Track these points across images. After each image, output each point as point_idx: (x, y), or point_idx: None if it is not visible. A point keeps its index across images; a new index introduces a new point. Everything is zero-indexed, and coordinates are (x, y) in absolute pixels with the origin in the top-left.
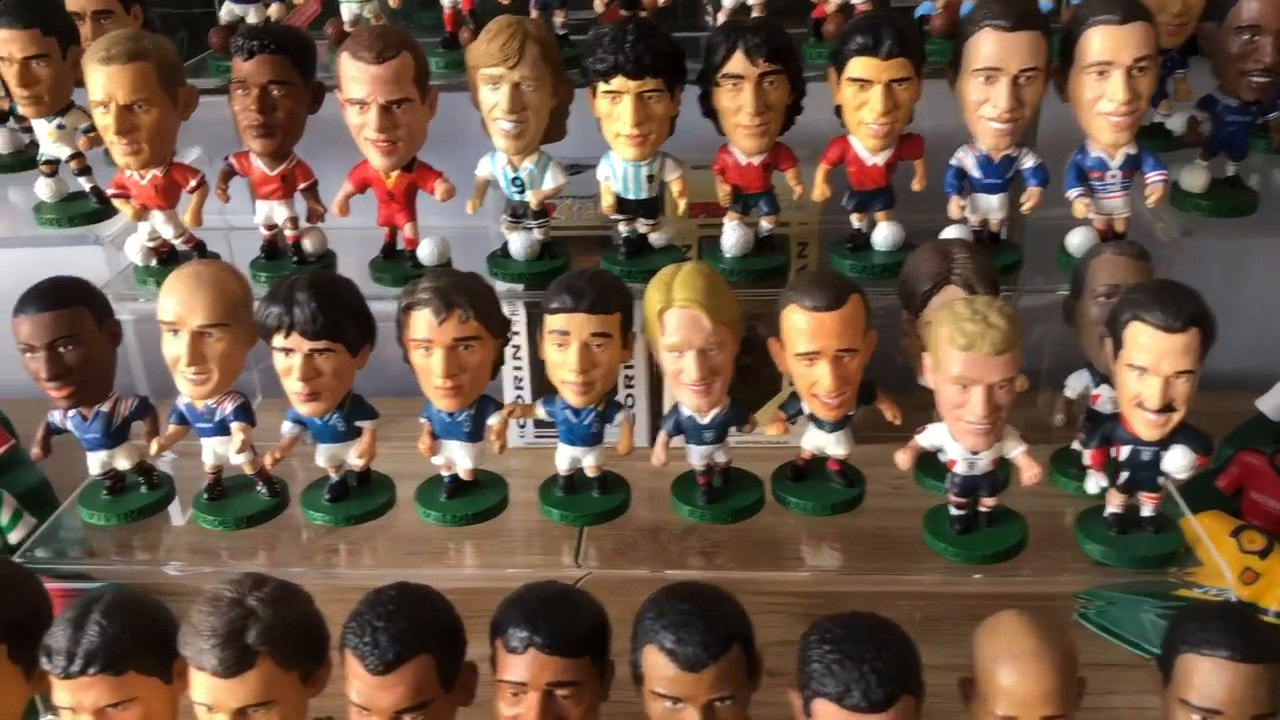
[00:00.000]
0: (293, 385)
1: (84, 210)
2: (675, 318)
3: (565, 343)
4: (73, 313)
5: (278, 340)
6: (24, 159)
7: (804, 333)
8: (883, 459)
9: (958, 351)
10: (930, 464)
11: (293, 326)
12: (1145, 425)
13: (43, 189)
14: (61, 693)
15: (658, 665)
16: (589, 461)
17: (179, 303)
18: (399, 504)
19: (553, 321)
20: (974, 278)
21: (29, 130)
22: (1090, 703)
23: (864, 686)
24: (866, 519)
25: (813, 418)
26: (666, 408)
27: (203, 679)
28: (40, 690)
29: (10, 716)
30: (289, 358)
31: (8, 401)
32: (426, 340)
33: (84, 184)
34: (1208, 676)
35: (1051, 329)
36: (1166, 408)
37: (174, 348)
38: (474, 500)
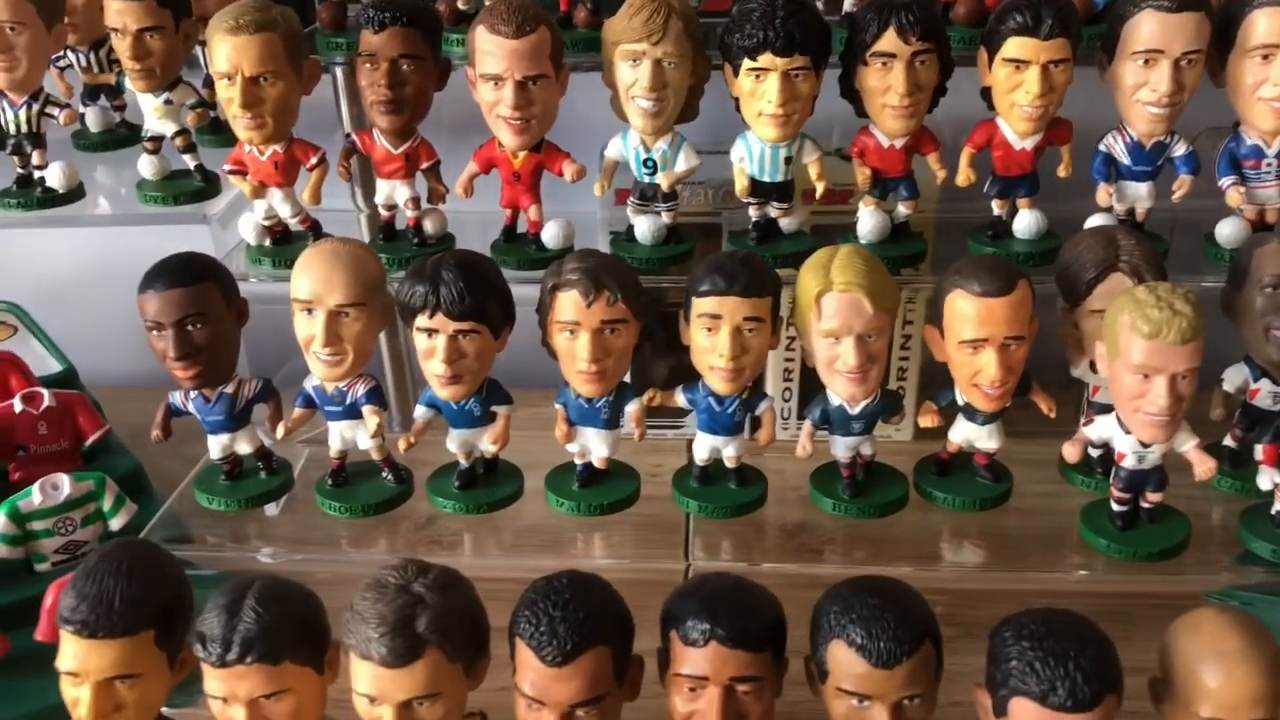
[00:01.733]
0: (435, 368)
1: (188, 188)
2: (835, 302)
3: (716, 327)
4: (202, 290)
5: (421, 320)
6: (115, 137)
7: (971, 319)
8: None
9: (1141, 339)
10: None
11: (438, 306)
12: None
13: (145, 166)
14: (214, 681)
15: (847, 661)
16: (729, 452)
17: (316, 280)
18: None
19: (702, 304)
20: (1142, 265)
21: (120, 109)
22: None
23: (1070, 685)
24: (1011, 517)
25: (965, 409)
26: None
27: (367, 669)
28: (182, 678)
29: (155, 705)
30: (432, 339)
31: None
32: (573, 322)
33: (189, 161)
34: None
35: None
36: None
37: (308, 327)
38: (607, 490)
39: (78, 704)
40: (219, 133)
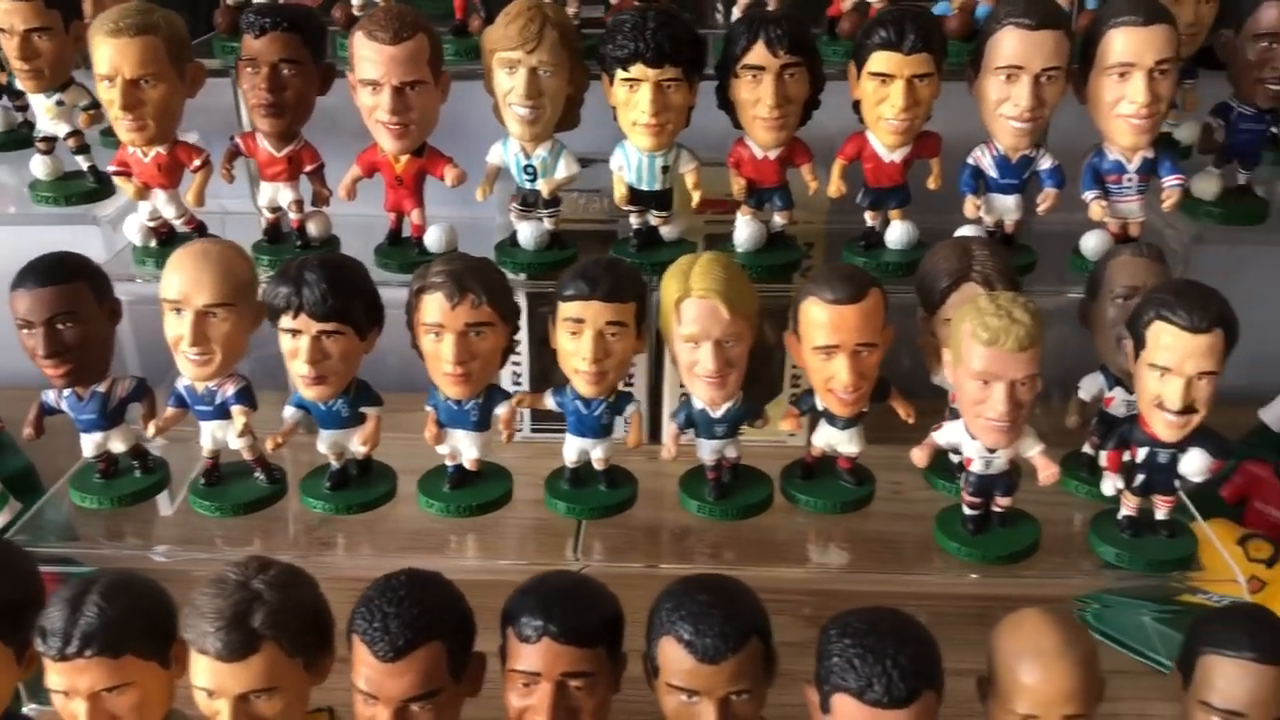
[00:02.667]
0: (299, 368)
1: (81, 189)
2: (693, 308)
3: (579, 330)
4: (73, 288)
5: (285, 321)
6: (16, 138)
7: (823, 326)
8: (888, 462)
9: (981, 347)
10: (941, 464)
11: (301, 307)
12: (1165, 426)
13: (39, 166)
14: (55, 675)
15: (675, 657)
16: (597, 454)
17: (185, 280)
18: (399, 497)
19: (567, 309)
20: (994, 275)
21: (23, 109)
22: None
23: (886, 681)
24: (873, 521)
25: (825, 414)
26: (666, 404)
27: (205, 663)
28: (29, 675)
29: (3, 700)
30: (296, 339)
31: None
32: (438, 325)
33: (81, 163)
34: (1230, 678)
35: (1062, 332)
36: (1188, 409)
37: (177, 327)
38: (478, 491)
39: None
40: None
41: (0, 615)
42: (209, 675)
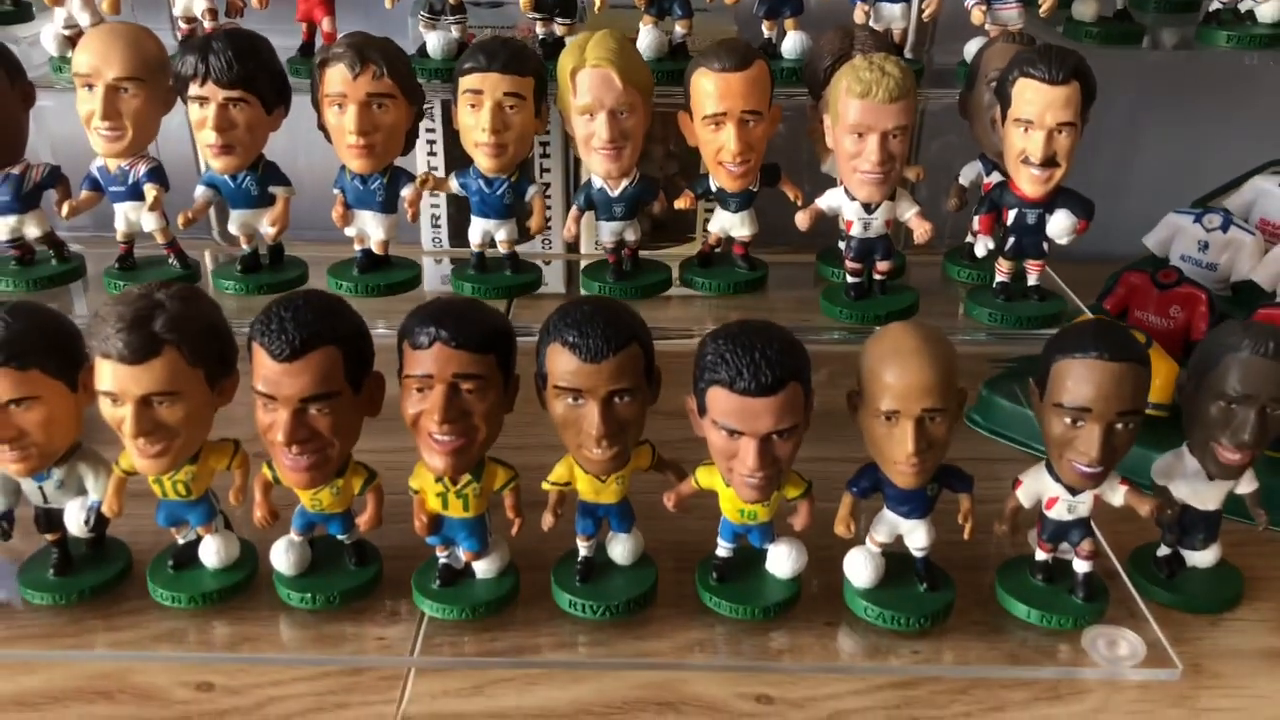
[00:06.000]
0: (206, 137)
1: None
2: (587, 78)
3: (479, 103)
4: None
5: (193, 89)
6: None
7: (711, 95)
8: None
9: (855, 100)
10: (833, 255)
11: (209, 74)
12: (1030, 182)
13: None
14: None
15: (560, 360)
16: (501, 235)
17: (95, 55)
18: (309, 281)
19: (466, 82)
20: (874, 51)
21: None
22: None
23: (754, 370)
24: (767, 303)
25: (719, 196)
26: None
27: (109, 367)
28: None
29: None
30: (204, 108)
31: None
32: (341, 94)
33: None
34: (1078, 378)
35: (949, 140)
36: (1049, 161)
37: (88, 103)
38: (386, 274)
39: None
40: None
41: None
42: (112, 378)
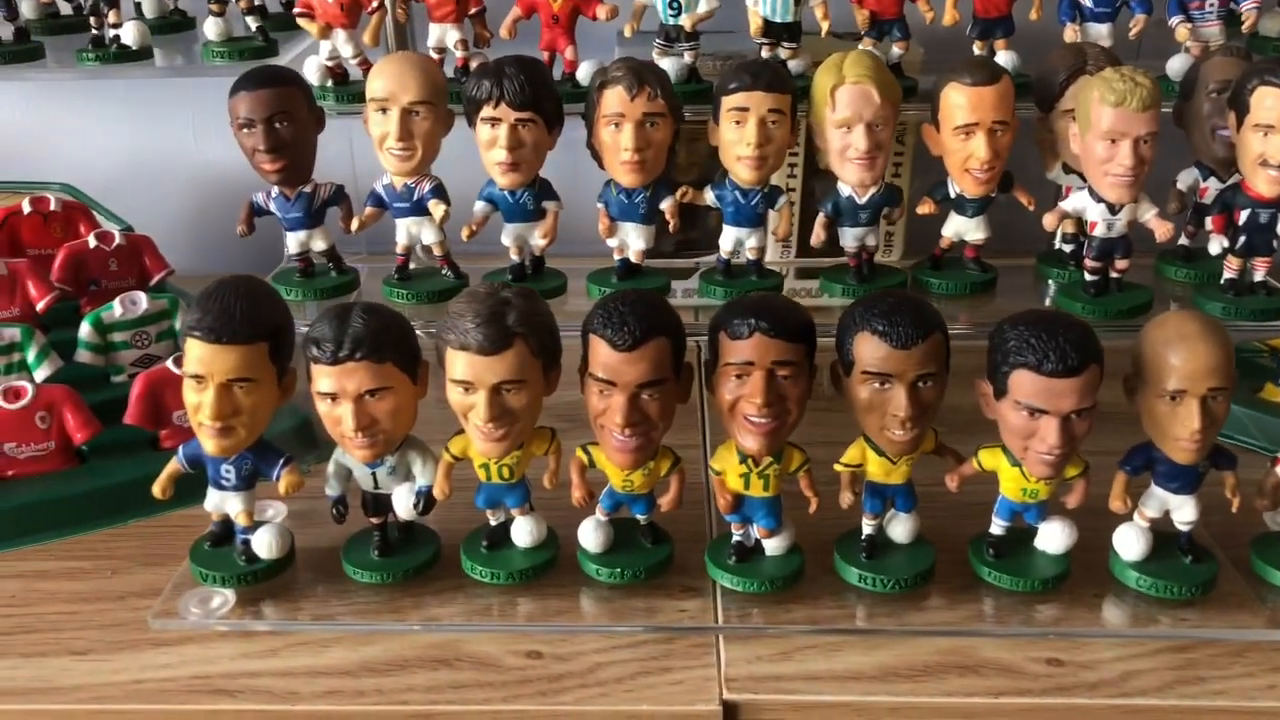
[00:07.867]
0: (496, 155)
1: (251, 47)
2: (846, 94)
3: (743, 119)
4: (288, 91)
5: (486, 111)
6: (169, 23)
7: (963, 107)
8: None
9: (1109, 108)
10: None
11: (502, 97)
12: (1267, 183)
13: (210, 28)
14: (325, 379)
15: (869, 346)
16: (751, 243)
17: (391, 80)
18: (569, 290)
19: (731, 100)
20: (1106, 65)
21: None
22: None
23: (1060, 353)
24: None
25: (955, 203)
26: None
27: (464, 359)
28: (286, 400)
29: (265, 411)
30: (495, 128)
31: None
32: (618, 114)
33: (251, 24)
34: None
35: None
36: None
37: (382, 125)
38: (640, 283)
39: (199, 408)
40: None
41: (270, 335)
42: (467, 368)
